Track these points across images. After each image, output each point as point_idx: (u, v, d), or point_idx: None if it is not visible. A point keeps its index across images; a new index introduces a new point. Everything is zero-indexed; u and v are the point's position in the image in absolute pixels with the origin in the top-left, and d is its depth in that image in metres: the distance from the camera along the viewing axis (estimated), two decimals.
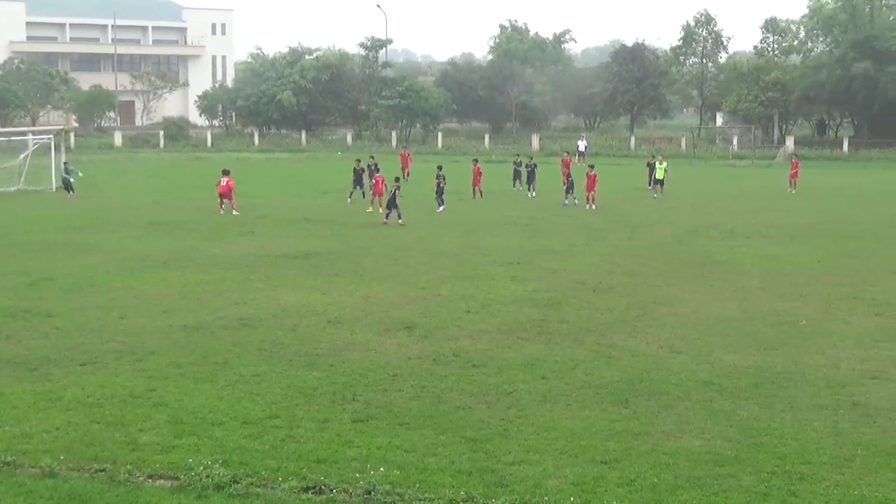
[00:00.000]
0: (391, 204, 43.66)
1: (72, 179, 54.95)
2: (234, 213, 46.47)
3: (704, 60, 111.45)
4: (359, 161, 55.33)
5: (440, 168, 50.80)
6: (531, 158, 60.48)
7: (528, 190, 56.71)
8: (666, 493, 14.64)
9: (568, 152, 65.60)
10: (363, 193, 52.13)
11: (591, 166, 52.45)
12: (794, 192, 58.42)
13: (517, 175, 59.65)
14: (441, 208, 47.92)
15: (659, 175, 55.15)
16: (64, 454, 15.86)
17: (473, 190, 54.40)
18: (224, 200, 47.26)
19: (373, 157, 58.02)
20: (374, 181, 48.35)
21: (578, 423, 17.53)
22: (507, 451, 16.21)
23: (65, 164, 57.35)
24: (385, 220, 43.43)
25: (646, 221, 44.91)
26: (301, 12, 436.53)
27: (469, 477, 15.13)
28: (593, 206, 49.74)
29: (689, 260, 34.96)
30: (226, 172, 48.38)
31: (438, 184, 48.82)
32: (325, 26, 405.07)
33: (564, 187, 52.74)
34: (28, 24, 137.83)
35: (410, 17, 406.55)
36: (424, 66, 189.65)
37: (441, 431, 17.08)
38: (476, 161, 57.73)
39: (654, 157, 59.97)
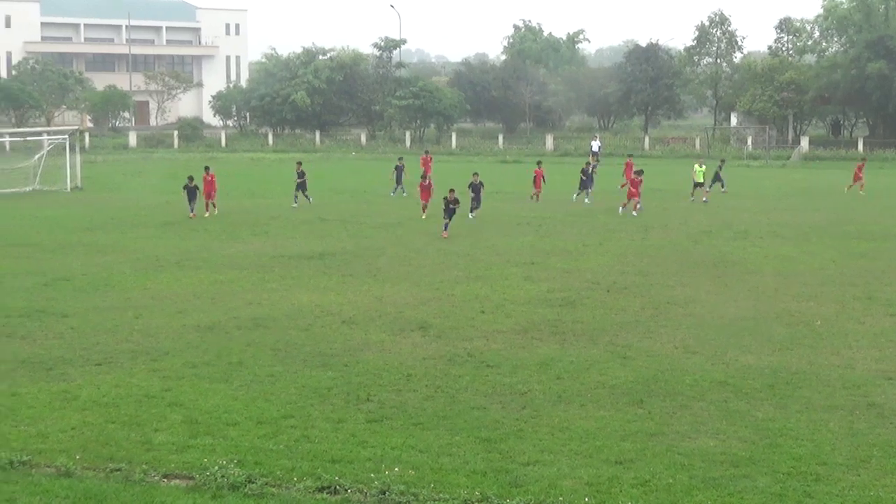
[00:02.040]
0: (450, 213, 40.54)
1: None
2: (207, 214, 46.34)
3: (719, 60, 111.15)
4: (401, 159, 57.84)
5: (476, 174, 48.05)
6: (590, 162, 58.64)
7: (583, 195, 53.63)
8: (681, 493, 14.63)
9: (632, 155, 65.19)
10: (403, 190, 54.35)
11: (640, 172, 49.69)
12: (863, 193, 57.04)
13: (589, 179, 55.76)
14: (472, 214, 45.52)
15: (699, 178, 54.31)
16: (80, 454, 15.91)
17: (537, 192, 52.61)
18: (210, 200, 46.94)
19: (401, 159, 58.53)
20: (423, 190, 46.57)
21: (593, 424, 17.52)
22: (521, 451, 16.21)
23: None
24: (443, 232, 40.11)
25: (659, 221, 44.83)
26: (315, 12, 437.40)
27: (483, 477, 15.14)
28: (633, 213, 47.24)
29: (703, 260, 34.90)
30: (207, 169, 48.28)
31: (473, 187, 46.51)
32: (338, 26, 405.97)
33: (623, 188, 52.34)
34: (43, 24, 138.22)
35: (424, 18, 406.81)
36: (438, 66, 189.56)
37: (455, 431, 17.09)
38: (539, 163, 55.79)
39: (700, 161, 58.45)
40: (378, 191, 58.20)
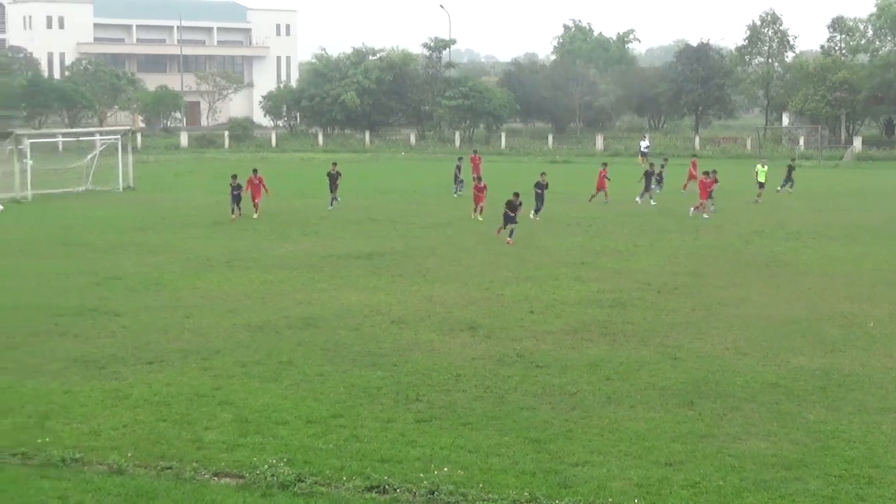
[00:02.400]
0: (510, 219, 38.78)
1: None
2: (256, 215, 45.59)
3: (770, 60, 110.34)
4: (460, 159, 58.27)
5: (544, 174, 47.73)
6: (658, 164, 58.31)
7: (648, 196, 52.57)
8: (731, 496, 14.54)
9: (697, 155, 64.84)
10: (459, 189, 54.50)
11: (712, 172, 48.32)
12: None
13: (656, 181, 55.26)
14: (536, 215, 44.82)
15: (761, 178, 53.81)
16: (131, 451, 16.03)
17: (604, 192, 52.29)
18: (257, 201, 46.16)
19: (460, 159, 59.01)
20: (477, 192, 45.38)
21: (643, 425, 17.45)
22: (570, 452, 16.16)
23: None
24: (507, 238, 38.43)
25: (711, 222, 44.55)
26: (365, 13, 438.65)
27: (533, 478, 15.12)
28: (704, 215, 46.04)
29: (754, 261, 34.67)
30: (255, 171, 47.34)
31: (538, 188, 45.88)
32: (388, 27, 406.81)
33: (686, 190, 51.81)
34: (96, 25, 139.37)
35: (474, 18, 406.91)
36: (488, 66, 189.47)
37: (505, 432, 17.07)
38: (604, 164, 55.18)
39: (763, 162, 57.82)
40: (427, 191, 58.26)
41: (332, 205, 48.99)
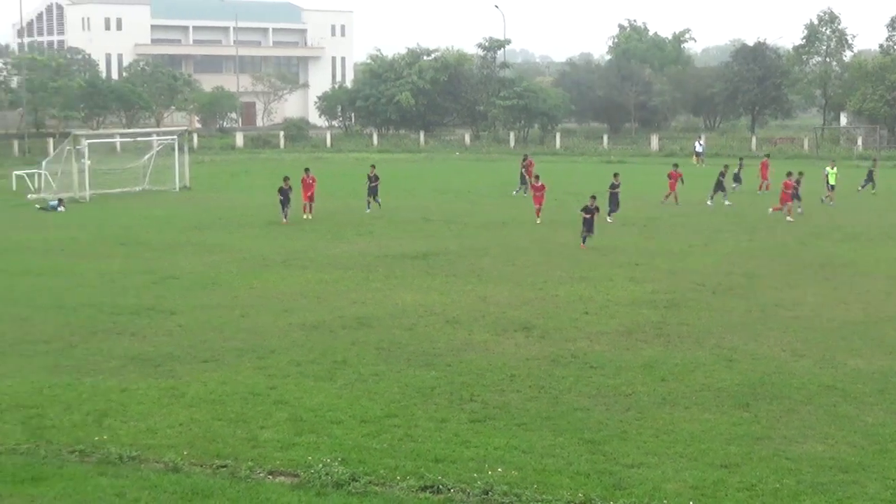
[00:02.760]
0: (589, 226, 37.74)
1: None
2: (306, 216, 45.39)
3: (828, 59, 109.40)
4: (526, 157, 58.32)
5: (617, 175, 46.72)
6: (735, 164, 57.90)
7: (723, 198, 51.71)
8: (788, 498, 14.44)
9: (769, 155, 64.58)
10: (525, 190, 53.72)
11: (796, 173, 47.10)
12: None
13: (735, 179, 55.59)
14: (610, 217, 43.94)
15: (832, 180, 53.22)
16: (187, 450, 16.16)
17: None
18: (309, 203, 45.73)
19: (526, 157, 58.93)
20: (535, 192, 44.81)
21: (698, 427, 17.37)
22: (625, 453, 16.11)
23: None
24: (581, 244, 37.48)
25: (766, 223, 44.22)
26: (419, 13, 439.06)
27: (587, 479, 15.09)
28: (788, 218, 44.82)
29: (811, 262, 34.37)
30: (307, 171, 46.92)
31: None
32: (443, 27, 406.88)
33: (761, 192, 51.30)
34: (153, 27, 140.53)
35: (529, 18, 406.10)
36: (542, 66, 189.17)
37: (559, 433, 17.04)
38: (675, 165, 54.17)
39: (832, 162, 57.28)
40: (482, 190, 58.23)
41: (369, 207, 48.42)
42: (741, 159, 61.84)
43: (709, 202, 51.00)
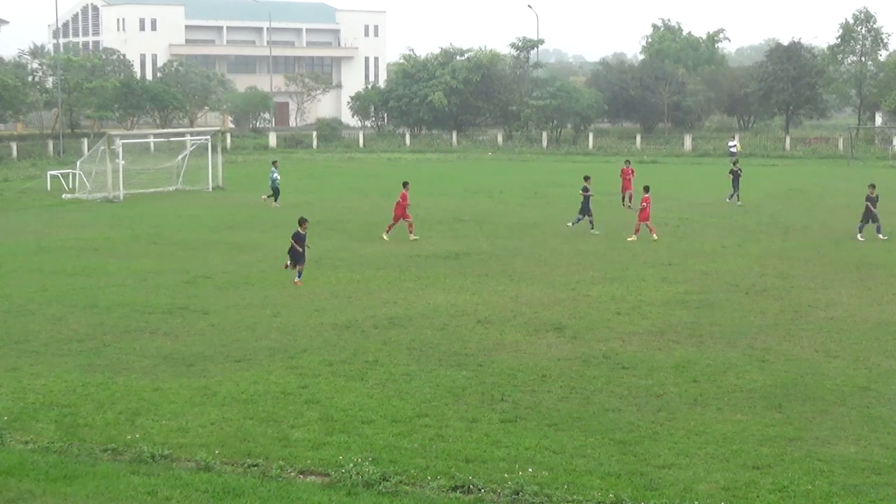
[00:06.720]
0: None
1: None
2: (413, 237, 39.68)
3: (863, 59, 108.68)
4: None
5: (587, 178, 45.75)
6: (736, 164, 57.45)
7: (735, 197, 51.57)
8: (820, 500, 14.37)
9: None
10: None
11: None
12: None
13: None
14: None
15: None
16: (218, 449, 16.22)
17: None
18: (401, 221, 39.87)
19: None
20: (643, 204, 39.99)
21: (730, 428, 17.30)
22: (656, 454, 16.07)
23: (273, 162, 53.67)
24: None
25: (800, 223, 44.00)
26: (452, 13, 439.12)
27: (618, 479, 15.05)
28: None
29: (845, 262, 34.17)
30: (405, 184, 40.94)
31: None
32: (476, 27, 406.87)
33: None
34: (187, 27, 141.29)
35: (562, 18, 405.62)
36: (576, 66, 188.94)
37: (590, 433, 17.01)
38: (735, 163, 53.74)
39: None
40: (514, 191, 58.13)
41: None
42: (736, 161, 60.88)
43: (738, 202, 50.74)
